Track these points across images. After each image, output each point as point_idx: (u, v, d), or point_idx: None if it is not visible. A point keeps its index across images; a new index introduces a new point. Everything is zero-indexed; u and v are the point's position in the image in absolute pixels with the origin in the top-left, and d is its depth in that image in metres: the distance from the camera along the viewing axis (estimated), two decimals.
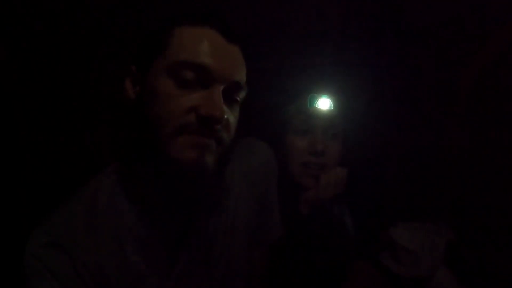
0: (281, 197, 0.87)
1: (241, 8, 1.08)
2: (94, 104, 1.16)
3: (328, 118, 1.00)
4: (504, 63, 1.09)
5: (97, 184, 0.67)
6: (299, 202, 1.01)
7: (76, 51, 1.13)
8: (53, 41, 1.11)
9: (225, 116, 0.59)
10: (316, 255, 0.98)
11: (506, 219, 1.10)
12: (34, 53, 1.10)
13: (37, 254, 0.60)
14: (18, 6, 1.04)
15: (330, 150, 1.00)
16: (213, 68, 0.59)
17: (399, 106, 1.28)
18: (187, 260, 0.68)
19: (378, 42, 1.24)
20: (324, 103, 1.00)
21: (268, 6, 1.13)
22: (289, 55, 1.22)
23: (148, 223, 0.65)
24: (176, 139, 0.58)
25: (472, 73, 1.17)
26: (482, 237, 1.14)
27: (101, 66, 1.15)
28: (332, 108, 1.00)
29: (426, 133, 1.29)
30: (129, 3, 1.11)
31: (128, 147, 0.68)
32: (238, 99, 0.65)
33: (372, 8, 1.16)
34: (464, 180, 1.22)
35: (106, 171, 0.69)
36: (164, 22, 0.64)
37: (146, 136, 0.60)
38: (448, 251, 1.06)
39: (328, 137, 1.00)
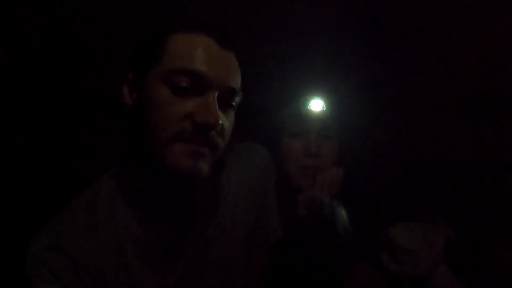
0: (279, 200, 0.88)
1: (233, 12, 1.10)
2: (94, 109, 1.17)
3: (321, 119, 1.02)
4: (499, 64, 1.10)
5: (97, 188, 0.69)
6: (296, 204, 1.02)
7: (76, 55, 1.15)
8: (53, 45, 1.13)
9: (220, 122, 0.61)
10: (315, 256, 0.99)
11: (505, 217, 1.10)
12: (34, 56, 1.11)
13: (39, 257, 0.61)
14: (18, 9, 1.05)
15: (324, 152, 1.01)
16: (207, 75, 0.60)
17: (394, 107, 1.29)
18: (186, 264, 0.70)
19: (372, 43, 1.25)
20: (316, 105, 1.01)
21: (260, 9, 1.14)
22: (281, 58, 1.23)
23: (147, 227, 0.67)
24: (171, 147, 0.59)
25: (466, 74, 1.18)
26: (482, 235, 1.14)
27: (100, 70, 1.17)
28: (325, 110, 1.01)
29: (423, 133, 1.29)
30: (129, 7, 1.13)
31: (126, 152, 0.70)
32: (233, 104, 0.66)
33: (365, 10, 1.17)
34: (462, 178, 1.23)
35: (106, 176, 0.71)
36: (159, 28, 0.65)
37: (144, 142, 0.62)
38: (447, 250, 1.06)
39: (323, 139, 1.02)
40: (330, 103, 1.02)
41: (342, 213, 1.01)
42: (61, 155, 1.15)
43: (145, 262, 0.66)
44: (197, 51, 0.61)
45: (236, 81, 0.65)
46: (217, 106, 0.61)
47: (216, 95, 0.61)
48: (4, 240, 1.02)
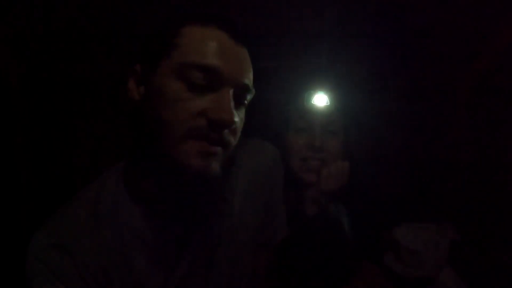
0: (286, 198, 0.87)
1: (239, 8, 1.09)
2: (96, 104, 1.16)
3: (326, 114, 1.02)
4: (506, 62, 1.09)
5: (100, 185, 0.67)
6: (303, 202, 1.01)
7: (77, 53, 1.14)
8: (55, 40, 1.11)
9: (236, 120, 0.59)
10: (319, 255, 0.98)
11: (509, 219, 1.09)
12: (36, 54, 1.10)
13: (39, 256, 0.60)
14: (20, 5, 1.04)
15: (329, 146, 1.01)
16: (223, 71, 0.58)
17: (401, 105, 1.28)
18: (191, 262, 0.68)
19: (378, 40, 1.24)
20: (321, 100, 1.02)
21: (265, 6, 1.13)
22: (286, 53, 1.23)
23: (152, 225, 0.66)
24: (183, 145, 0.57)
25: (473, 73, 1.17)
26: (487, 237, 1.13)
27: (101, 67, 1.16)
28: (329, 104, 1.02)
29: (428, 133, 1.28)
30: (129, 3, 1.11)
31: (132, 148, 0.67)
32: (245, 102, 0.64)
33: (371, 7, 1.16)
34: (468, 179, 1.22)
35: (109, 172, 0.69)
36: (169, 21, 0.63)
37: (152, 138, 0.60)
38: (452, 251, 1.05)
39: (327, 134, 1.02)
40: (334, 98, 1.02)
41: (343, 212, 1.00)
42: (61, 153, 1.14)
43: (149, 260, 0.65)
44: (211, 46, 0.58)
45: (249, 78, 0.63)
46: (232, 104, 0.59)
47: (231, 92, 0.59)
48: (3, 239, 1.01)
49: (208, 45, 0.58)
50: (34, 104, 1.12)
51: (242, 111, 0.65)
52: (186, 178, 0.60)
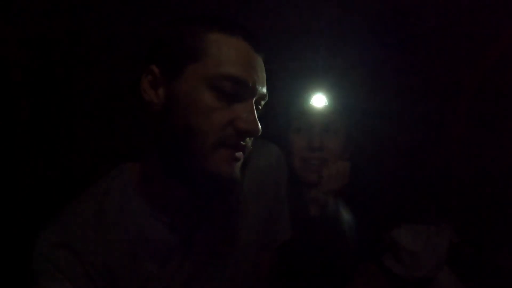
0: (290, 198, 0.88)
1: (237, 9, 1.09)
2: (96, 104, 1.16)
3: (325, 114, 1.04)
4: (508, 64, 1.10)
5: (107, 184, 0.67)
6: (307, 203, 1.02)
7: (79, 49, 1.14)
8: (56, 39, 1.11)
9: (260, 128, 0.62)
10: (322, 255, 0.98)
11: (508, 221, 1.10)
12: (38, 51, 1.10)
13: (46, 254, 0.60)
14: (22, 5, 1.04)
15: (328, 146, 1.02)
16: (252, 83, 0.60)
17: (401, 105, 1.28)
18: (196, 261, 0.69)
19: (378, 40, 1.24)
20: (319, 101, 1.03)
21: (263, 6, 1.13)
22: (286, 55, 1.23)
23: (159, 224, 0.66)
24: (214, 153, 0.59)
25: (475, 73, 1.18)
26: (485, 238, 1.14)
27: (104, 64, 1.15)
28: (327, 105, 1.03)
29: (429, 133, 1.29)
30: (130, 6, 1.11)
31: (150, 151, 0.66)
32: (260, 108, 0.66)
33: (371, 6, 1.16)
34: (467, 180, 1.23)
35: (116, 171, 0.69)
36: (190, 24, 0.62)
37: (180, 145, 0.60)
38: (450, 252, 1.06)
39: (327, 134, 1.03)
40: (333, 98, 1.04)
41: (345, 212, 1.01)
42: (61, 152, 1.14)
43: (155, 259, 0.65)
44: (241, 57, 0.60)
45: (266, 87, 0.65)
46: (256, 113, 0.62)
47: (254, 101, 0.62)
48: (9, 238, 1.00)
49: (239, 57, 0.60)
50: (35, 103, 1.11)
51: None
52: (212, 183, 0.62)
